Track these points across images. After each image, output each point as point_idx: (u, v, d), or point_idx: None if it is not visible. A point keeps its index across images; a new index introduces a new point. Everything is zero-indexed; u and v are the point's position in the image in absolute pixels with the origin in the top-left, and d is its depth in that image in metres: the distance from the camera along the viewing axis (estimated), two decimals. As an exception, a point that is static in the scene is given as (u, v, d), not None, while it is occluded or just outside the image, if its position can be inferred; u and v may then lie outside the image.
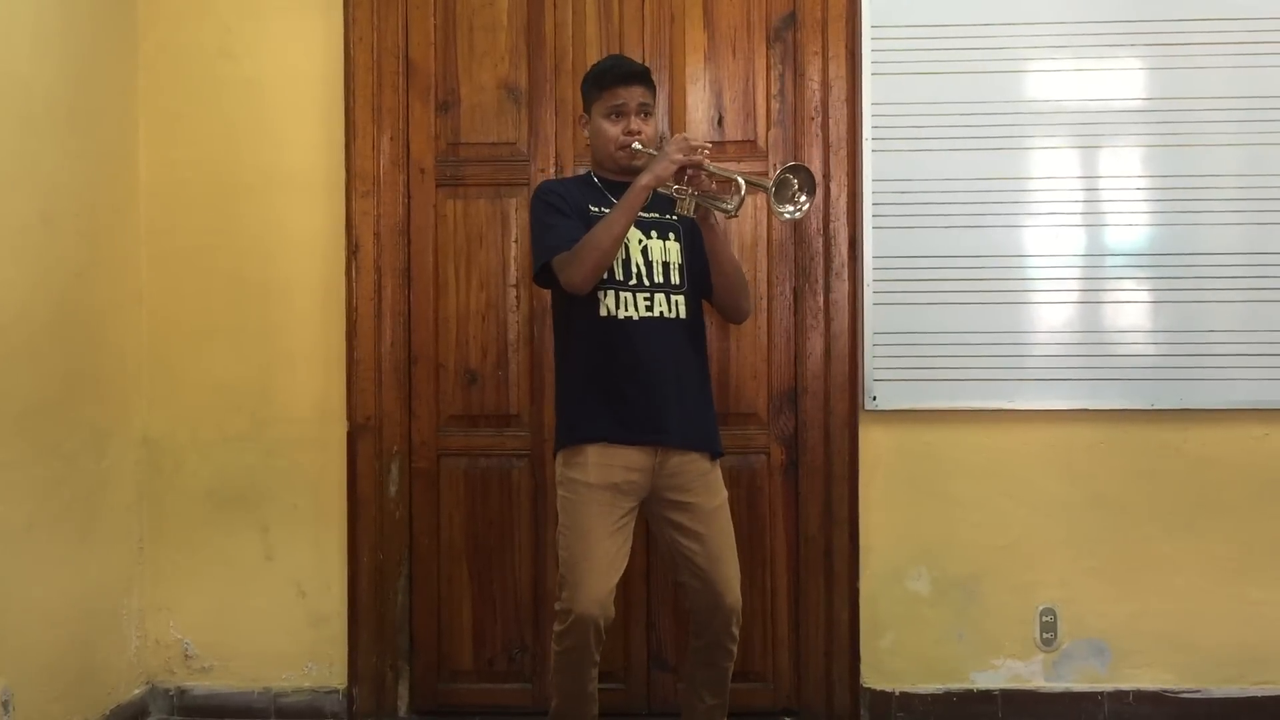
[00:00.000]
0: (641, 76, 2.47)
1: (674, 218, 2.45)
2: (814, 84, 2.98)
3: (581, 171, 2.67)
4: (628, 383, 2.37)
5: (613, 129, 2.44)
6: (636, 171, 2.36)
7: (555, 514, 2.96)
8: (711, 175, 2.32)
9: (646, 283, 2.41)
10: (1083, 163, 2.96)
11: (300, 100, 3.04)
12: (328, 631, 3.04)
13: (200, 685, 3.06)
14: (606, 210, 2.39)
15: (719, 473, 2.49)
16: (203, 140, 3.05)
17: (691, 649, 2.53)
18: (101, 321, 2.88)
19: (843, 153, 2.97)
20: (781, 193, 2.26)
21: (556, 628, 2.38)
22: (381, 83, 3.01)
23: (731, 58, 3.02)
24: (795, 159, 2.97)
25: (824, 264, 2.98)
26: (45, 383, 2.64)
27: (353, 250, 3.01)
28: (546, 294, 3.00)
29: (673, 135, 2.36)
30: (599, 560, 2.34)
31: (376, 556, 3.01)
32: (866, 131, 2.94)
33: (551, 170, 3.01)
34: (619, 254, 2.37)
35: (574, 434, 2.41)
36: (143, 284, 3.06)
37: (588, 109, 2.51)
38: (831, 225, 2.97)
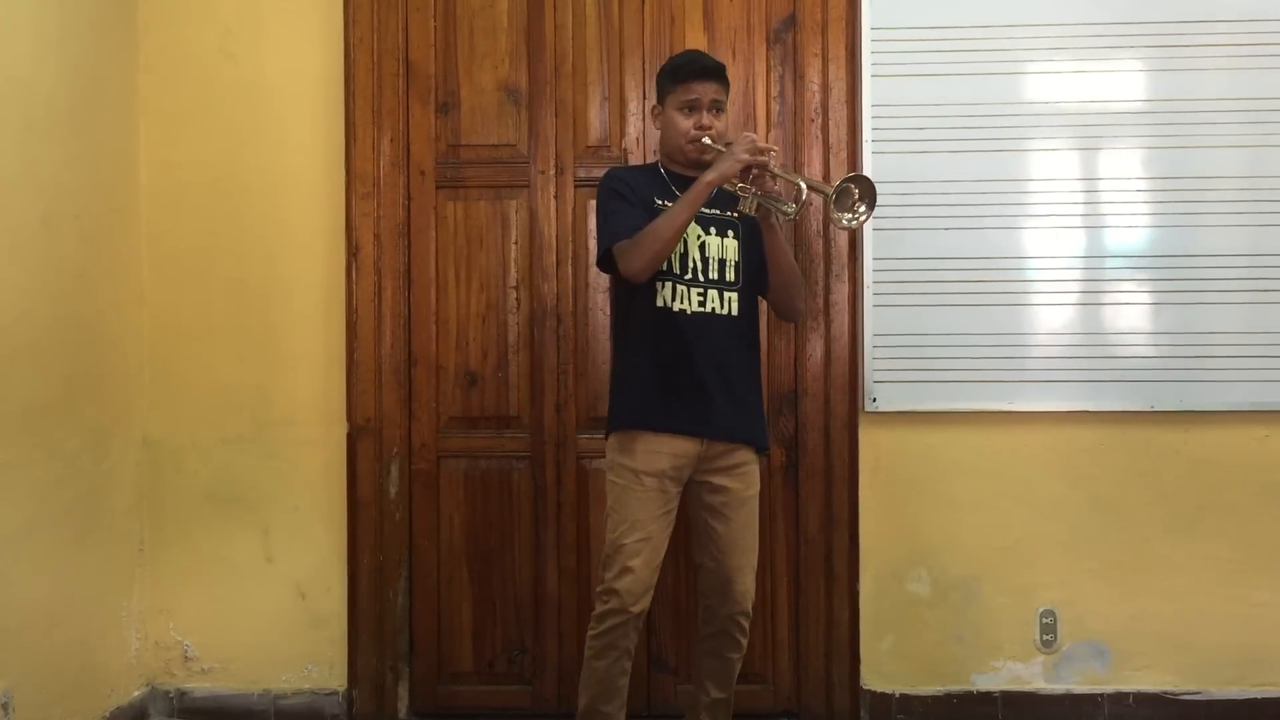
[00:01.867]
0: (717, 73, 2.50)
1: (734, 215, 2.49)
2: (814, 86, 2.98)
3: (649, 161, 2.68)
4: (677, 374, 2.42)
5: (685, 122, 2.47)
6: (704, 166, 2.41)
7: (554, 516, 3.01)
8: (775, 176, 2.37)
9: (701, 278, 2.45)
10: (1083, 164, 2.96)
11: (300, 102, 3.05)
12: (328, 633, 3.04)
13: (200, 687, 3.06)
14: (670, 203, 2.43)
15: (758, 467, 2.53)
16: (203, 142, 3.05)
17: (699, 638, 2.57)
18: (102, 323, 2.88)
19: (843, 154, 2.97)
20: (842, 200, 2.29)
21: (597, 610, 2.42)
22: (381, 84, 3.02)
23: (731, 60, 3.01)
24: (795, 160, 2.98)
25: (824, 266, 2.98)
26: (46, 384, 2.64)
27: (353, 252, 3.01)
28: (546, 296, 3.01)
29: (740, 135, 2.39)
30: (644, 543, 2.40)
31: (376, 558, 3.01)
32: (866, 133, 2.94)
33: (551, 172, 3.01)
34: (678, 248, 2.42)
35: (624, 419, 2.47)
36: (143, 285, 3.06)
37: (661, 100, 2.54)
38: (832, 227, 2.97)
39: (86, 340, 2.81)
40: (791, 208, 2.34)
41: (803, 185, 2.34)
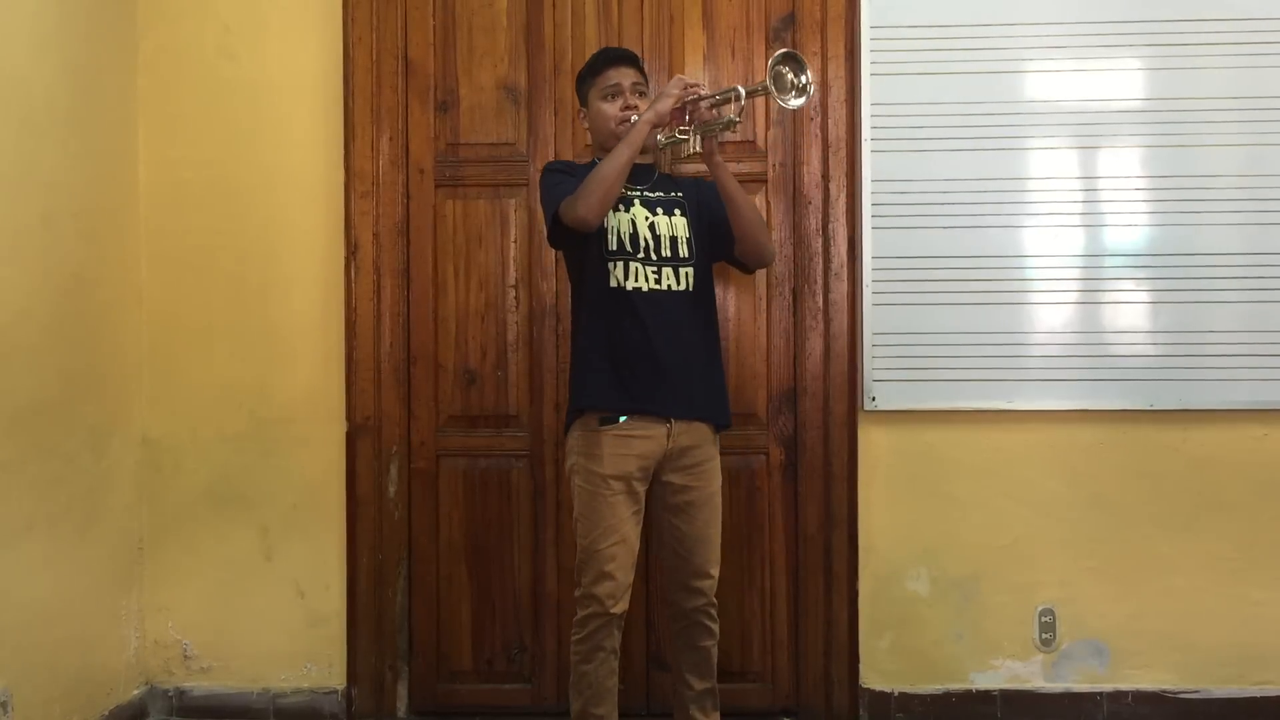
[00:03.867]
0: (632, 59, 2.53)
1: (680, 194, 2.49)
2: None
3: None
4: (636, 353, 2.41)
5: (610, 107, 2.49)
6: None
7: (553, 515, 3.00)
8: (712, 104, 2.36)
9: (655, 256, 2.45)
10: (1082, 163, 2.96)
11: (300, 100, 3.04)
12: (326, 632, 3.04)
13: (199, 685, 3.06)
14: None
15: (718, 459, 2.53)
16: (202, 140, 3.05)
17: (672, 634, 2.58)
18: (101, 321, 2.88)
19: (842, 153, 2.97)
20: (781, 84, 2.30)
21: (578, 615, 2.42)
22: (381, 83, 3.02)
23: (730, 58, 3.02)
24: (794, 159, 2.98)
25: (823, 264, 2.98)
26: (45, 382, 2.64)
27: (352, 250, 3.01)
28: (546, 295, 3.01)
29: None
30: (618, 544, 2.39)
31: (375, 557, 3.01)
32: (865, 132, 2.94)
33: (550, 170, 3.01)
34: (627, 230, 2.43)
35: (584, 401, 2.44)
36: (142, 284, 3.06)
37: (584, 100, 2.56)
38: (830, 225, 2.97)
39: (85, 339, 2.81)
40: (734, 116, 2.33)
41: (741, 90, 2.32)
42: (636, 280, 2.42)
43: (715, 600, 2.51)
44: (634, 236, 2.44)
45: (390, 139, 3.02)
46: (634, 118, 2.43)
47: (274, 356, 3.05)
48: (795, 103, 2.31)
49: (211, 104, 3.05)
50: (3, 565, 2.48)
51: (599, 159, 2.53)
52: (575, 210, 2.34)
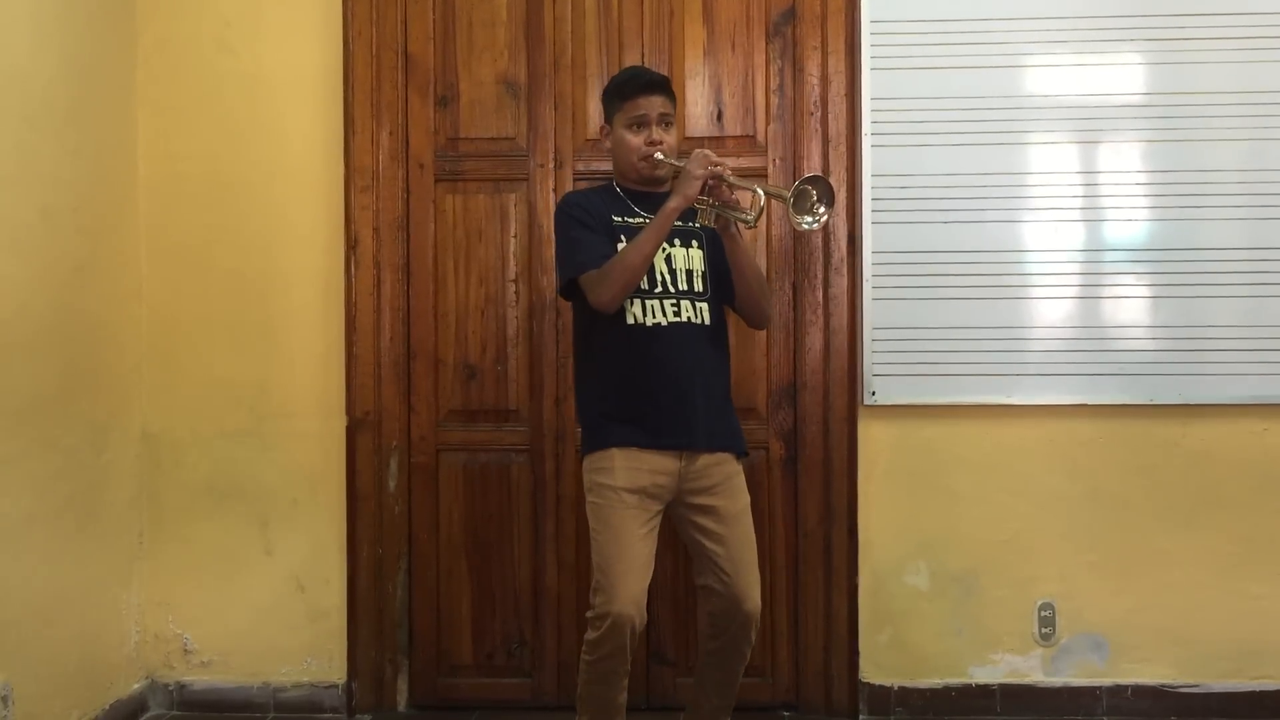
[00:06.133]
0: (662, 86, 2.48)
1: (696, 225, 2.45)
2: (813, 79, 2.98)
3: (600, 182, 2.67)
4: (657, 388, 2.38)
5: (635, 139, 2.45)
6: (659, 180, 2.42)
7: (553, 510, 3.01)
8: (732, 186, 2.35)
9: (673, 290, 2.42)
10: (1082, 158, 2.95)
11: (299, 95, 3.04)
12: (327, 626, 3.04)
13: (199, 680, 3.06)
14: (630, 220, 2.43)
15: (743, 476, 2.49)
16: (202, 135, 3.04)
17: (706, 650, 2.51)
18: (101, 316, 2.88)
19: (842, 148, 2.97)
20: (800, 203, 2.28)
21: (590, 635, 2.35)
22: (380, 78, 3.01)
23: (730, 53, 3.01)
24: (794, 154, 2.98)
25: (823, 259, 2.98)
26: (45, 377, 2.64)
27: (352, 245, 3.01)
28: (546, 289, 3.01)
29: (693, 152, 2.37)
30: (632, 562, 2.34)
31: (375, 551, 3.01)
32: (866, 126, 2.94)
33: (550, 165, 3.01)
34: None
35: (600, 441, 2.42)
36: (142, 279, 3.06)
37: (609, 120, 2.52)
38: (831, 220, 2.97)
39: (85, 334, 2.81)
40: (751, 216, 2.33)
41: (760, 192, 2.32)
42: (655, 316, 2.40)
43: (758, 624, 2.42)
44: (650, 271, 2.40)
45: (390, 133, 3.02)
46: (658, 155, 2.42)
47: (274, 351, 3.05)
48: (806, 223, 2.30)
49: (211, 98, 3.05)
50: (3, 560, 2.49)
51: (617, 183, 2.53)
52: (598, 296, 2.34)
